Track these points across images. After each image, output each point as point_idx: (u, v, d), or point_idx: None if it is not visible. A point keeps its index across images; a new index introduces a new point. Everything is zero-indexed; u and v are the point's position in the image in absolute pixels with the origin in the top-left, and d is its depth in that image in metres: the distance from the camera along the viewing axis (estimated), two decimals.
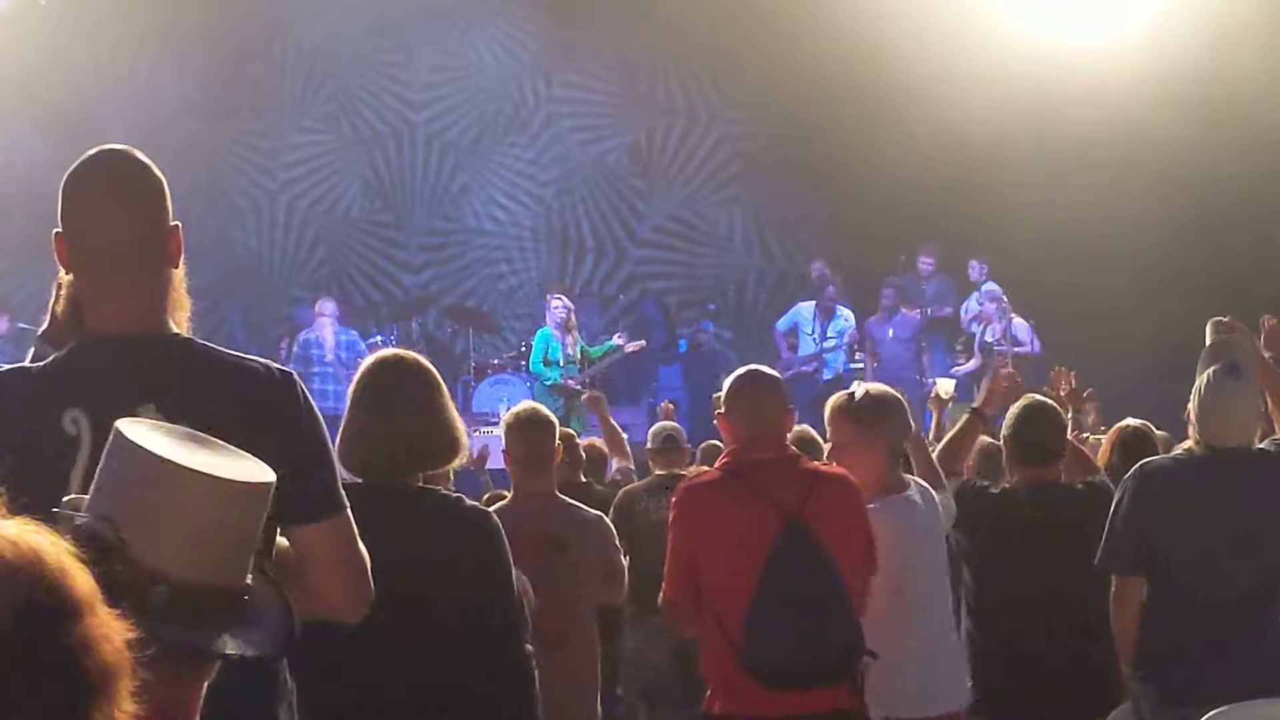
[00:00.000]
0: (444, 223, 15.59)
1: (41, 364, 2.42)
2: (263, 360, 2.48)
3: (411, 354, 3.65)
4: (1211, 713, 3.72)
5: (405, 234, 15.52)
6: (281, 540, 2.44)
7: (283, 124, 15.23)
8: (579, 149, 15.68)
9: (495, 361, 13.10)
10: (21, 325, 12.65)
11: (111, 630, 1.22)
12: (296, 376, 2.48)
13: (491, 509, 4.55)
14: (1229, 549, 4.05)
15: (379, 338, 12.78)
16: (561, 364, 12.10)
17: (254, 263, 14.82)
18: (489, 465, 10.62)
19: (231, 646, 1.60)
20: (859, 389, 4.31)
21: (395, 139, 15.53)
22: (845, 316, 13.05)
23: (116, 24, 14.60)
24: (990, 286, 13.12)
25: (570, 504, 4.70)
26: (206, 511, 1.59)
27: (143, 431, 1.66)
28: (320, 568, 2.41)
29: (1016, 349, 12.41)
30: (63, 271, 2.47)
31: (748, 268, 15.66)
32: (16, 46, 14.16)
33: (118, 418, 2.27)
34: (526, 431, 4.59)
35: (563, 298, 12.40)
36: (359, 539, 2.45)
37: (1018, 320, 12.64)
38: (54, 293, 2.49)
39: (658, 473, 6.28)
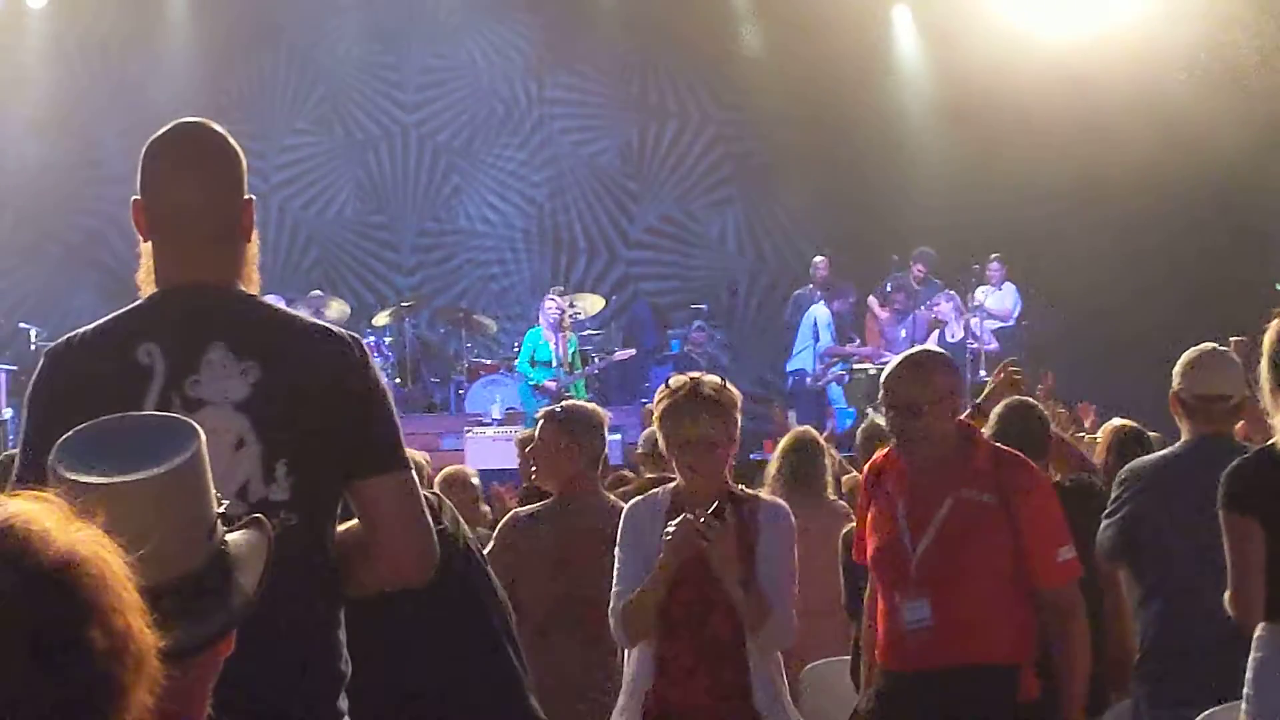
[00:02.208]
0: (436, 224, 15.58)
1: (122, 310, 2.50)
2: (330, 324, 2.57)
3: None
4: (1207, 712, 3.72)
5: (397, 235, 15.51)
6: (340, 527, 2.47)
7: (275, 125, 15.20)
8: (571, 150, 15.67)
9: (488, 362, 13.09)
10: (21, 325, 12.59)
11: (133, 637, 1.21)
12: (364, 341, 2.54)
13: (562, 508, 4.55)
14: (1215, 547, 4.05)
15: (371, 339, 12.77)
16: (552, 365, 12.10)
17: None
18: (471, 466, 10.57)
19: (184, 640, 1.58)
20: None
21: (387, 140, 15.52)
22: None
23: (106, 24, 14.59)
24: (1008, 287, 13.15)
25: (618, 501, 4.69)
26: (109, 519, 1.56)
27: (66, 456, 1.64)
28: (387, 524, 2.43)
29: (985, 347, 12.46)
30: (142, 240, 2.52)
31: (740, 269, 15.67)
32: (6, 47, 14.15)
33: (190, 351, 2.37)
34: (600, 430, 4.60)
35: (557, 299, 12.40)
36: (424, 503, 2.48)
37: (974, 320, 12.68)
38: (139, 265, 2.55)
39: (648, 476, 6.29)
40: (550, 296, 12.51)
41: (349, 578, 2.47)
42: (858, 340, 13.35)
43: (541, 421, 4.71)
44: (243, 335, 2.41)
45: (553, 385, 11.94)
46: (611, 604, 3.78)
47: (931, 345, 12.57)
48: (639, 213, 15.70)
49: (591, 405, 4.90)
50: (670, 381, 3.89)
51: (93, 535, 1.23)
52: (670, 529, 3.65)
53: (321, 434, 2.38)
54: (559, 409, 4.77)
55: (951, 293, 12.79)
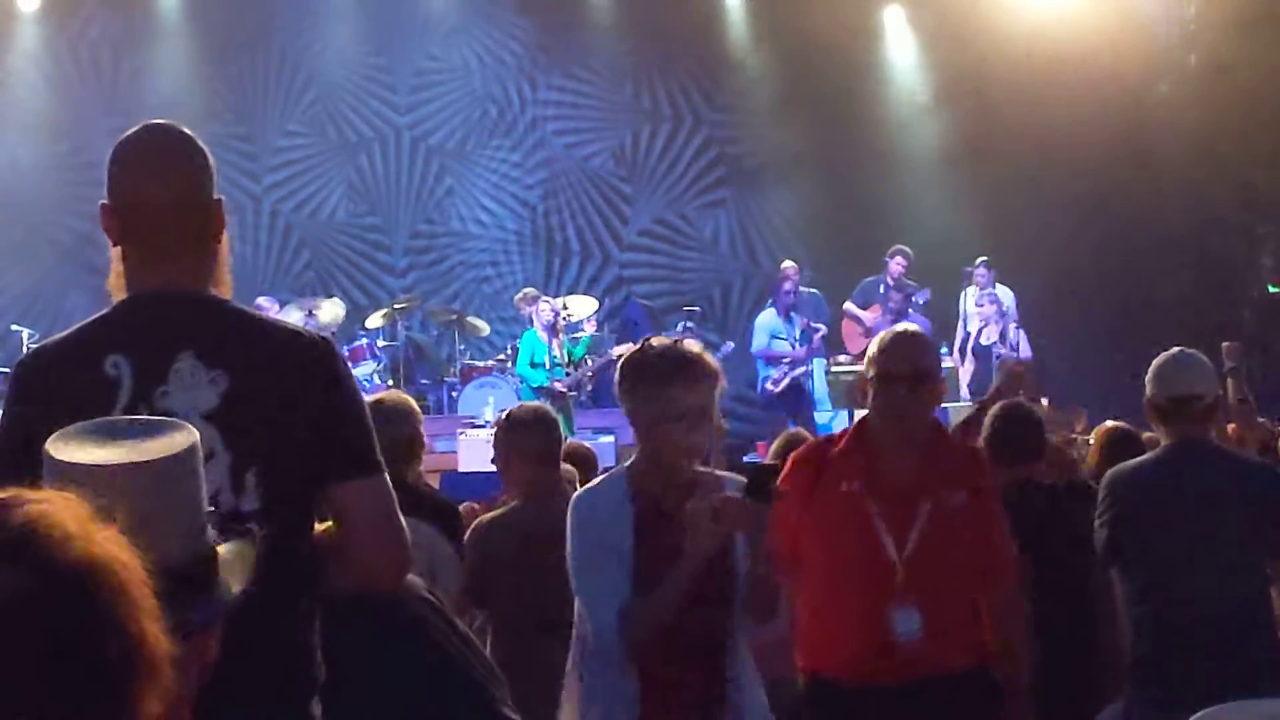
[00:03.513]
0: (429, 226, 15.56)
1: (89, 320, 2.47)
2: (301, 325, 2.54)
3: None
4: (1200, 713, 3.72)
5: (390, 237, 15.49)
6: (319, 525, 2.47)
7: (267, 127, 15.19)
8: (564, 153, 15.67)
9: (481, 364, 13.08)
10: (14, 327, 12.55)
11: (147, 644, 1.21)
12: (334, 341, 2.52)
13: (499, 512, 4.53)
14: (1200, 549, 4.07)
15: (363, 340, 12.77)
16: (548, 367, 12.10)
17: (238, 266, 14.54)
18: (464, 468, 10.53)
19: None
20: None
21: (380, 142, 15.51)
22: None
23: (98, 26, 14.57)
24: (1002, 290, 13.05)
25: None
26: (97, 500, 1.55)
27: (61, 443, 1.64)
28: (360, 529, 2.42)
29: (1018, 355, 12.27)
30: (112, 245, 2.50)
31: (733, 271, 15.67)
32: None
33: (158, 361, 2.34)
34: (540, 428, 4.55)
35: (550, 300, 12.41)
36: (396, 505, 2.46)
37: (1016, 325, 12.51)
38: (111, 269, 2.53)
39: None
40: (544, 298, 12.50)
41: (324, 578, 2.45)
42: (814, 334, 12.88)
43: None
44: (212, 343, 2.38)
45: (559, 386, 11.94)
46: (597, 620, 3.17)
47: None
48: (632, 215, 15.70)
49: (534, 404, 4.89)
50: (652, 341, 3.31)
51: (111, 538, 1.23)
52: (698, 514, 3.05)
53: (292, 441, 2.36)
54: (505, 414, 4.78)
55: (995, 293, 12.59)
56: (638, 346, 3.33)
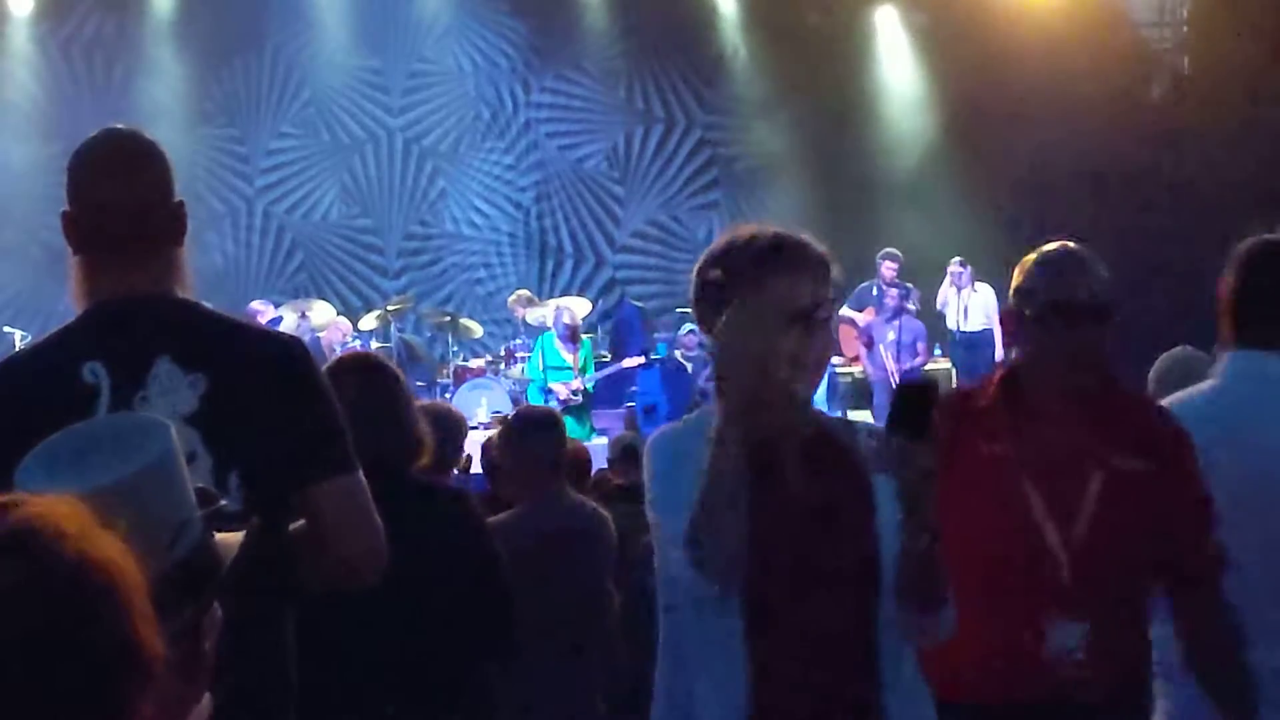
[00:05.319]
0: (422, 228, 15.56)
1: (56, 329, 2.45)
2: (268, 327, 2.54)
3: (374, 355, 3.68)
4: None
5: (383, 239, 15.49)
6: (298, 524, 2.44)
7: (259, 129, 15.18)
8: (557, 154, 15.68)
9: (474, 366, 13.07)
10: (6, 329, 12.53)
11: (141, 646, 1.20)
12: (304, 342, 2.51)
13: (508, 513, 4.52)
14: None
15: (358, 341, 12.75)
16: (558, 370, 12.11)
17: (231, 268, 14.79)
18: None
19: None
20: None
21: (373, 144, 15.50)
22: None
23: (91, 29, 14.56)
24: (983, 287, 13.03)
25: (586, 500, 4.64)
26: None
27: (27, 469, 1.63)
28: (338, 527, 2.40)
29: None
30: (72, 253, 2.47)
31: None
32: None
33: (136, 367, 2.33)
34: (544, 430, 4.52)
35: (567, 308, 12.39)
36: (372, 502, 2.44)
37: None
38: (72, 278, 2.50)
39: (616, 483, 6.25)
40: (563, 307, 12.47)
41: (299, 578, 2.44)
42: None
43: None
44: (188, 346, 2.37)
45: (564, 389, 11.94)
46: (683, 589, 2.35)
47: (918, 351, 12.65)
48: (625, 217, 15.71)
49: (540, 406, 4.88)
50: (740, 231, 2.56)
51: (111, 541, 1.23)
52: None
53: (270, 441, 2.35)
54: (511, 416, 4.74)
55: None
56: (728, 236, 2.59)
